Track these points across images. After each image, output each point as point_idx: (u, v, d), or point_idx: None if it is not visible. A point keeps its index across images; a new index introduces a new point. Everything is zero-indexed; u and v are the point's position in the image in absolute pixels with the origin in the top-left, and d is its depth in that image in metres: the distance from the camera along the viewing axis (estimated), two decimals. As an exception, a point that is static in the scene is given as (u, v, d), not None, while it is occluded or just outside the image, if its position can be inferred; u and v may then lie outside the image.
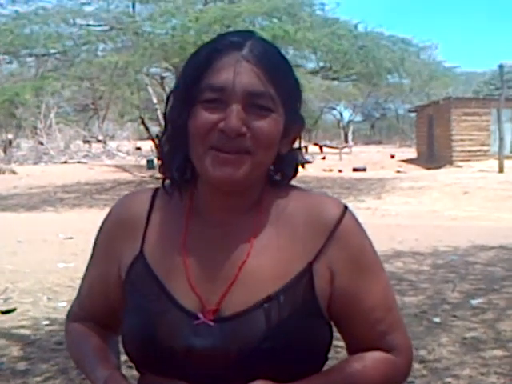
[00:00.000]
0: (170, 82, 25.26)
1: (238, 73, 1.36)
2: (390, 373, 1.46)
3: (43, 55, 22.29)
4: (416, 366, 4.53)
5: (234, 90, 1.35)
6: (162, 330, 1.39)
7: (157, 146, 1.53)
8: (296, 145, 1.50)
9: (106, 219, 1.57)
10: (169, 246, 1.46)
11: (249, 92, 1.36)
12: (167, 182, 1.50)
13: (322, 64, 23.98)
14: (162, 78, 25.94)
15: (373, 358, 1.45)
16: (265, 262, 1.41)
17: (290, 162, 1.50)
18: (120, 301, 1.50)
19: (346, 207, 1.46)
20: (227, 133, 1.35)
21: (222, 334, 1.37)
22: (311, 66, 24.59)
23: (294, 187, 1.51)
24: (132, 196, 1.58)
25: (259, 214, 1.45)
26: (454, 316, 5.79)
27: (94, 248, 1.59)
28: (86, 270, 1.61)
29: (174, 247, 1.45)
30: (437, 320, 5.66)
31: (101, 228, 1.58)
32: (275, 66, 1.40)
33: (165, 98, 1.51)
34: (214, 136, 1.36)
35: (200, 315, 1.39)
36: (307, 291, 1.40)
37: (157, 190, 1.55)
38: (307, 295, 1.40)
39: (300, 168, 1.52)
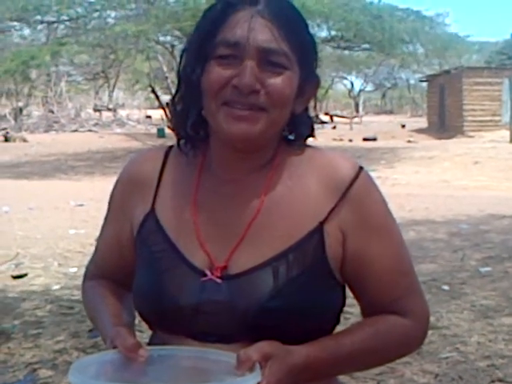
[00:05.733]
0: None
1: (252, 28, 1.33)
2: (402, 338, 1.44)
3: (54, 22, 22.19)
4: (425, 332, 4.54)
5: (248, 46, 1.32)
6: (170, 286, 1.39)
7: (164, 110, 1.51)
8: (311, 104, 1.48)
9: (119, 178, 1.57)
10: (180, 202, 1.45)
11: (263, 48, 1.33)
12: (181, 141, 1.48)
13: (333, 33, 23.83)
14: (173, 46, 25.76)
15: (386, 322, 1.42)
16: (275, 220, 1.39)
17: (305, 121, 1.47)
18: (133, 258, 1.50)
19: (361, 168, 1.43)
20: (240, 89, 1.32)
21: (229, 292, 1.35)
22: (323, 34, 24.43)
23: (308, 146, 1.48)
24: (144, 154, 1.57)
25: (272, 172, 1.43)
26: (464, 283, 5.80)
27: (108, 207, 1.59)
28: (102, 228, 1.61)
29: (185, 204, 1.44)
30: (446, 287, 5.67)
31: (114, 187, 1.57)
32: (291, 22, 1.37)
33: (175, 66, 1.50)
34: (227, 92, 1.34)
35: (207, 272, 1.38)
36: (317, 251, 1.37)
37: (170, 148, 1.53)
38: (317, 255, 1.37)
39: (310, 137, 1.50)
